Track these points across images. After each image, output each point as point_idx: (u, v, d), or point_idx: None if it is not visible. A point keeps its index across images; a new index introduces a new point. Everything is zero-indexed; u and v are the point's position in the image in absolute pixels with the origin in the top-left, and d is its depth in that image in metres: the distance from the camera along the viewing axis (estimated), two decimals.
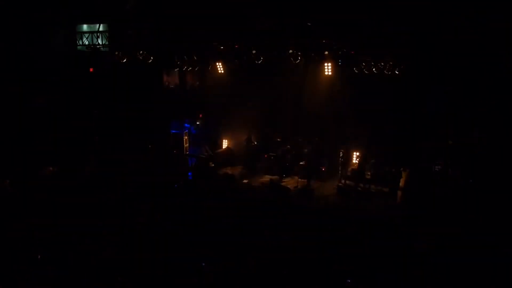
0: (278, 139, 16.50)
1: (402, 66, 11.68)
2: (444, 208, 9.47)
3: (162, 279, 7.84)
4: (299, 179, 14.20)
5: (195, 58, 12.85)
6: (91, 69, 15.10)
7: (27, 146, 13.77)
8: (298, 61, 11.76)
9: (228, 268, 8.18)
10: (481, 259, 7.42)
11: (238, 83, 16.74)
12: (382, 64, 12.73)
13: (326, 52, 11.44)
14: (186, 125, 17.82)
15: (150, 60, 12.98)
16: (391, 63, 12.61)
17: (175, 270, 7.97)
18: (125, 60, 13.40)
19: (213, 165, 15.67)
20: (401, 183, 12.51)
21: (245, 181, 14.63)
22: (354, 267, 8.46)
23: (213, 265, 8.19)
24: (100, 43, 13.45)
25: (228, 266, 8.25)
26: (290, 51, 11.54)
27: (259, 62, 12.37)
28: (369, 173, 14.24)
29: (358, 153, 14.67)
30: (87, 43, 13.76)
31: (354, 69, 13.67)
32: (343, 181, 14.29)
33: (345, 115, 16.19)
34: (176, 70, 16.29)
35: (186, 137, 16.43)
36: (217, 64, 14.36)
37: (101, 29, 13.77)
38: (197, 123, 18.25)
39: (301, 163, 14.53)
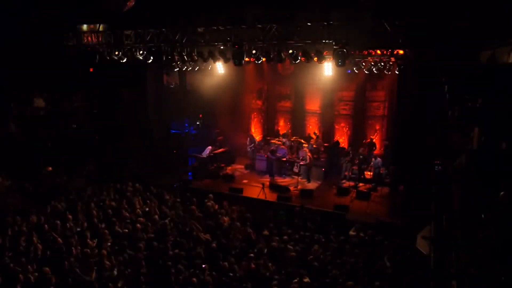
0: (278, 139, 16.54)
1: (402, 66, 11.68)
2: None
3: (161, 279, 7.81)
4: (299, 179, 14.25)
5: (195, 57, 12.81)
6: (91, 69, 15.11)
7: (27, 145, 13.78)
8: (298, 61, 11.75)
9: (226, 270, 8.14)
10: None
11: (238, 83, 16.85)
12: (382, 64, 12.80)
13: (326, 52, 11.41)
14: (185, 125, 17.83)
15: (150, 60, 12.97)
16: (391, 63, 12.69)
17: (175, 271, 7.92)
18: (125, 60, 13.39)
19: (213, 165, 15.69)
20: (402, 183, 12.56)
21: (245, 181, 14.64)
22: (354, 268, 8.42)
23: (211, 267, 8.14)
24: (100, 43, 13.45)
25: (226, 268, 8.20)
26: (290, 51, 11.53)
27: (259, 62, 12.37)
28: (369, 173, 14.31)
29: (359, 153, 14.66)
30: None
31: (354, 69, 13.76)
32: (343, 181, 14.35)
33: (346, 114, 16.30)
34: (176, 70, 16.29)
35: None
36: (217, 64, 14.36)
37: (101, 29, 13.78)
38: (197, 123, 18.25)
39: (301, 163, 14.53)
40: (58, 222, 9.86)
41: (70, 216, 10.20)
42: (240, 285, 7.66)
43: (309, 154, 14.50)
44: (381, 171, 13.94)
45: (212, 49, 12.47)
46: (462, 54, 8.84)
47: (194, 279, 7.65)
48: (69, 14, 13.76)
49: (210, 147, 15.52)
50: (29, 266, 7.85)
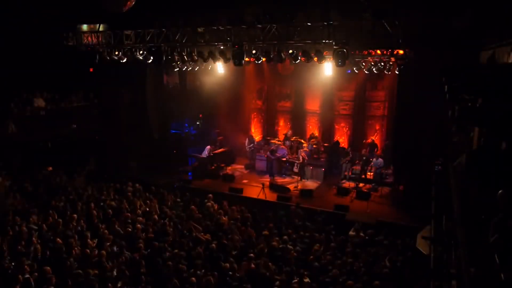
0: (278, 139, 16.55)
1: (402, 66, 11.68)
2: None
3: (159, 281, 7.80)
4: (299, 179, 14.24)
5: (195, 57, 12.83)
6: (91, 69, 15.12)
7: (27, 145, 13.77)
8: (298, 61, 11.76)
9: (226, 270, 8.11)
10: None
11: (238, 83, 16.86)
12: (382, 64, 12.81)
13: (326, 52, 11.42)
14: (185, 125, 17.83)
15: (150, 60, 12.98)
16: (391, 63, 12.69)
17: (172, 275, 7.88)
18: (125, 60, 13.40)
19: (213, 165, 15.69)
20: (402, 183, 12.56)
21: (245, 181, 14.64)
22: (354, 268, 8.41)
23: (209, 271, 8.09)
24: (100, 43, 13.47)
25: (226, 268, 8.17)
26: (290, 51, 11.54)
27: (259, 62, 12.38)
28: (370, 173, 14.29)
29: (361, 154, 14.66)
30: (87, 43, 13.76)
31: (354, 69, 13.77)
32: (343, 181, 14.34)
33: (346, 114, 16.30)
34: (176, 70, 16.30)
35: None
36: (217, 64, 14.36)
37: (101, 29, 13.79)
38: (197, 123, 18.25)
39: (301, 163, 14.53)
40: (58, 222, 9.87)
41: (70, 216, 10.21)
42: (240, 286, 7.66)
43: (302, 154, 14.51)
44: (382, 171, 13.92)
45: (212, 49, 12.49)
46: (462, 54, 8.85)
47: (194, 278, 7.64)
48: (69, 14, 13.77)
49: (208, 147, 15.51)
50: (29, 266, 7.84)
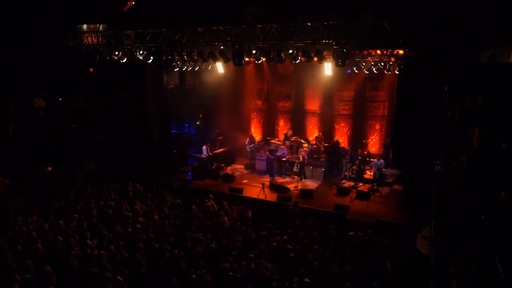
0: (278, 139, 16.56)
1: (402, 66, 11.67)
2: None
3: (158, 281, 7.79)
4: (299, 179, 14.23)
5: (195, 57, 12.83)
6: (91, 69, 15.12)
7: (27, 145, 13.78)
8: (298, 61, 11.76)
9: (226, 270, 8.11)
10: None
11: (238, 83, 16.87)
12: (382, 64, 12.80)
13: (326, 52, 11.42)
14: (185, 125, 17.83)
15: (150, 60, 12.98)
16: (391, 63, 12.68)
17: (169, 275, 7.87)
18: (125, 60, 13.40)
19: (213, 165, 15.69)
20: (402, 183, 12.58)
21: (245, 181, 14.64)
22: (353, 270, 8.41)
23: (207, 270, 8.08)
24: (100, 43, 13.48)
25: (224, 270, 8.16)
26: (290, 51, 11.54)
27: (259, 62, 12.38)
28: (369, 173, 14.28)
29: (358, 154, 14.66)
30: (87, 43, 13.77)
31: (354, 69, 13.76)
32: (343, 181, 14.34)
33: (346, 114, 16.31)
34: (176, 70, 16.30)
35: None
36: (217, 64, 14.35)
37: (101, 29, 13.79)
38: (197, 123, 18.24)
39: (301, 163, 14.52)
40: (58, 222, 9.87)
41: (71, 216, 10.21)
42: (240, 285, 7.65)
43: (302, 154, 14.50)
44: (382, 172, 13.90)
45: (212, 49, 12.48)
46: (462, 54, 8.85)
47: (194, 276, 7.64)
48: (69, 14, 13.77)
49: (205, 147, 15.48)
50: (29, 266, 7.84)
